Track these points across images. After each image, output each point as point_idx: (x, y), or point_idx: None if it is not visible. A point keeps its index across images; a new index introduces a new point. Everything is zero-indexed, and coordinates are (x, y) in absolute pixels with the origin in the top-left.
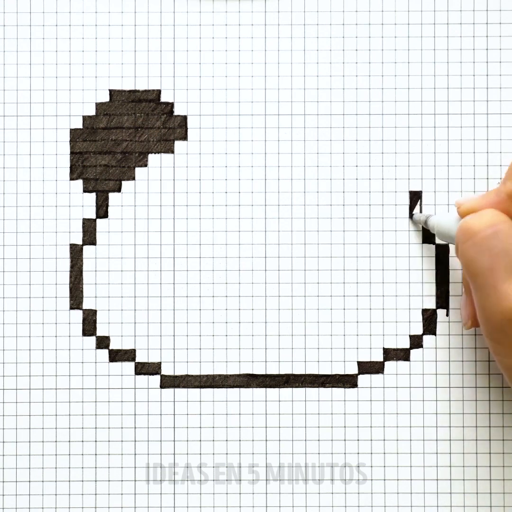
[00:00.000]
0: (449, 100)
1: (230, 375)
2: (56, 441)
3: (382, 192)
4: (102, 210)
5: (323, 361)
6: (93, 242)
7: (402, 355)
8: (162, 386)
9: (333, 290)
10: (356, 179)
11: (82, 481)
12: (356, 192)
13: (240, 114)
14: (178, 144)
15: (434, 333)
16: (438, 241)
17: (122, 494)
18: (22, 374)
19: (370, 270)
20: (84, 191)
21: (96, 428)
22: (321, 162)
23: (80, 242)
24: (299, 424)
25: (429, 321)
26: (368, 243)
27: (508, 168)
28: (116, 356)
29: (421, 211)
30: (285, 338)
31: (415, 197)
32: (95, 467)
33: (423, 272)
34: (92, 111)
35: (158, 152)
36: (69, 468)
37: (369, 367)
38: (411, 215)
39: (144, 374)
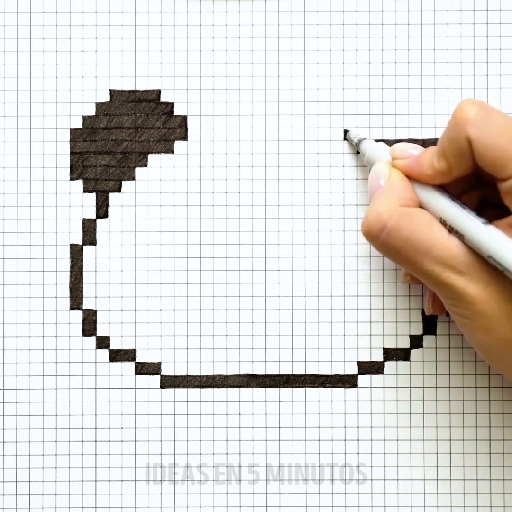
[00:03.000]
0: (449, 100)
1: (230, 375)
2: (56, 441)
3: None
4: (102, 210)
5: (323, 361)
6: (93, 242)
7: (402, 355)
8: (162, 386)
9: (333, 290)
10: (356, 179)
11: (82, 481)
12: (356, 192)
13: (240, 114)
14: (178, 144)
15: (434, 333)
16: None
17: (122, 494)
18: (22, 374)
19: (370, 270)
20: (84, 191)
21: (96, 428)
22: (321, 162)
23: (80, 242)
24: (299, 424)
25: (429, 321)
26: (368, 243)
27: (439, 142)
28: (116, 356)
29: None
30: (285, 338)
31: None
32: (95, 467)
33: None
34: (92, 111)
35: (158, 152)
36: (69, 468)
37: (369, 367)
38: (345, 132)
39: (144, 374)
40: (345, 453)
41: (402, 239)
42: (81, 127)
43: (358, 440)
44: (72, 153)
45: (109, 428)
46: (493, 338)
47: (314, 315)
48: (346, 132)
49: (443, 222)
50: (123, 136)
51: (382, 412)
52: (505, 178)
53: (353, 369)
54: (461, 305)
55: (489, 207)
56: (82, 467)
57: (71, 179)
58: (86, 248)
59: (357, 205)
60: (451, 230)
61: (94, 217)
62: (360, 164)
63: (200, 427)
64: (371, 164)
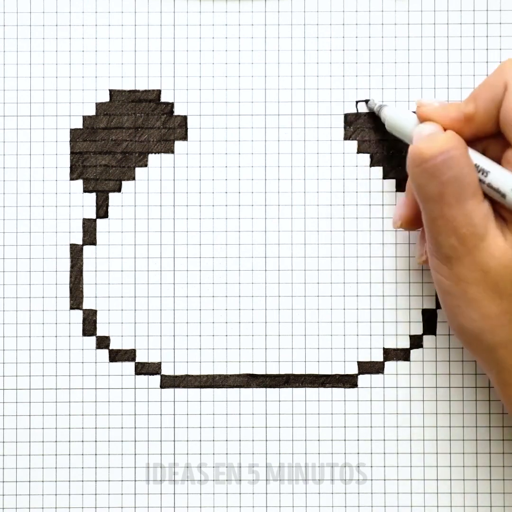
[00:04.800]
0: (449, 100)
1: (230, 375)
2: (56, 441)
3: (382, 192)
4: (102, 210)
5: (323, 361)
6: (93, 242)
7: (402, 355)
8: (162, 386)
9: (333, 290)
10: (356, 179)
11: (82, 481)
12: (356, 192)
13: (240, 114)
14: (178, 144)
15: (434, 333)
16: None
17: (122, 494)
18: (22, 374)
19: (370, 270)
20: (84, 191)
21: (96, 428)
22: (321, 162)
23: (80, 242)
24: (299, 424)
25: (429, 321)
26: (368, 243)
27: (474, 90)
28: (116, 356)
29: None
30: (285, 338)
31: None
32: (95, 467)
33: (423, 272)
34: (92, 111)
35: (158, 152)
36: (69, 468)
37: (369, 367)
38: (366, 101)
39: (144, 374)
40: (345, 453)
41: (455, 173)
42: (81, 127)
43: (358, 440)
44: (72, 153)
45: (109, 428)
46: (478, 312)
47: (314, 315)
48: (366, 101)
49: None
50: (123, 136)
51: (382, 412)
52: None
53: (353, 369)
54: (459, 267)
55: None
56: (82, 467)
57: (71, 179)
58: (86, 248)
59: (357, 205)
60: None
61: (94, 217)
62: (361, 163)
63: (200, 427)
64: (393, 126)
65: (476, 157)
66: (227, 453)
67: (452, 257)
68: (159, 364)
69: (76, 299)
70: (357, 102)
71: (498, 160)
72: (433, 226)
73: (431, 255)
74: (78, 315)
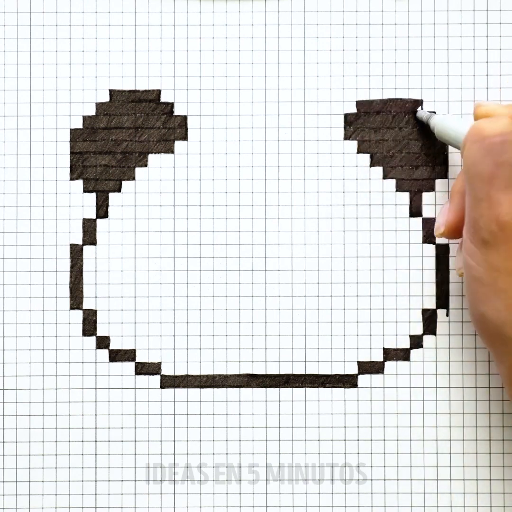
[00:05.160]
0: (449, 100)
1: (230, 375)
2: (56, 441)
3: (382, 192)
4: (102, 210)
5: (323, 361)
6: (93, 242)
7: (402, 355)
8: (162, 386)
9: (333, 290)
10: (356, 179)
11: (82, 481)
12: (356, 192)
13: (240, 114)
14: (178, 144)
15: (434, 333)
16: (438, 240)
17: (122, 494)
18: (22, 374)
19: (370, 270)
20: (84, 191)
21: (96, 428)
22: (321, 162)
23: (80, 242)
24: (299, 424)
25: (429, 321)
26: (368, 243)
27: None
28: (116, 356)
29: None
30: (285, 338)
31: (415, 196)
32: (95, 467)
33: (423, 272)
34: (92, 111)
35: (158, 152)
36: (69, 468)
37: (369, 367)
38: (415, 112)
39: (144, 374)
40: (345, 453)
41: (506, 158)
42: (81, 127)
43: (358, 440)
44: (72, 153)
45: (109, 428)
46: (505, 303)
47: (314, 315)
48: (414, 113)
49: None
50: (123, 136)
51: (382, 412)
52: None
53: (353, 369)
54: (494, 254)
55: None
56: (82, 467)
57: (71, 179)
58: (86, 248)
59: (357, 205)
60: None
61: (94, 217)
62: (361, 163)
63: (200, 427)
64: (442, 135)
65: None
66: (227, 453)
67: (489, 242)
68: (159, 364)
69: (76, 299)
70: (415, 112)
71: None
72: (476, 208)
73: (467, 238)
74: (78, 315)
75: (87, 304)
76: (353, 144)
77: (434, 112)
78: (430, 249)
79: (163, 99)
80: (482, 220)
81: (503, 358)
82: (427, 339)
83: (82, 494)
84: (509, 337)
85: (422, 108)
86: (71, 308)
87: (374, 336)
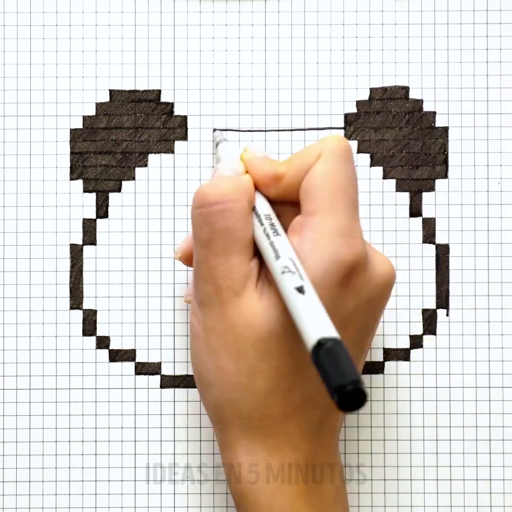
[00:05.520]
0: (449, 100)
1: None
2: (56, 441)
3: (382, 192)
4: (102, 210)
5: None
6: (93, 242)
7: (402, 355)
8: (162, 386)
9: None
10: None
11: (82, 481)
12: None
13: (240, 114)
14: (178, 144)
15: (434, 333)
16: (438, 240)
17: (122, 494)
18: (22, 374)
19: None
20: (84, 191)
21: (96, 428)
22: None
23: (80, 242)
24: None
25: (429, 321)
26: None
27: (292, 154)
28: (116, 356)
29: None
30: None
31: (415, 196)
32: (95, 467)
33: (423, 272)
34: (92, 111)
35: (158, 152)
36: (69, 468)
37: (369, 367)
38: (214, 130)
39: (144, 374)
40: (345, 453)
41: (228, 225)
42: (81, 127)
43: (358, 440)
44: (72, 153)
45: (109, 428)
46: (215, 364)
47: None
48: (214, 130)
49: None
50: (123, 136)
51: (382, 412)
52: (302, 213)
53: None
54: (210, 315)
55: None
56: (82, 467)
57: (71, 179)
58: (86, 248)
59: None
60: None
61: (94, 217)
62: (361, 163)
63: (200, 427)
64: (218, 161)
65: (272, 215)
66: None
67: (206, 304)
68: (159, 364)
69: (76, 299)
70: (214, 129)
71: (285, 227)
72: (198, 269)
73: (192, 297)
74: (78, 315)
75: (87, 304)
76: (353, 144)
77: (223, 139)
78: (430, 249)
79: (163, 99)
80: (201, 281)
81: (215, 421)
82: (427, 339)
83: (82, 494)
84: (218, 400)
85: (218, 130)
86: (71, 308)
87: (374, 336)
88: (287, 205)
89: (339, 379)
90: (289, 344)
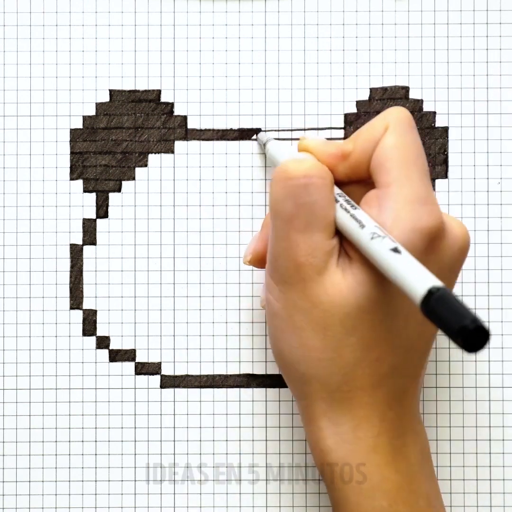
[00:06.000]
0: (449, 100)
1: (230, 375)
2: (56, 441)
3: None
4: (102, 210)
5: None
6: (93, 242)
7: None
8: (162, 386)
9: None
10: None
11: (82, 481)
12: None
13: (240, 114)
14: (178, 144)
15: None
16: None
17: (122, 494)
18: (22, 374)
19: None
20: (84, 191)
21: (96, 428)
22: None
23: (80, 242)
24: (299, 424)
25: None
26: None
27: (357, 130)
28: (116, 356)
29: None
30: None
31: None
32: (95, 467)
33: None
34: (92, 111)
35: (158, 152)
36: (69, 468)
37: None
38: (257, 133)
39: (144, 374)
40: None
41: (312, 200)
42: (81, 127)
43: None
44: (72, 153)
45: (109, 428)
46: (299, 341)
47: None
48: (257, 132)
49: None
50: (123, 136)
51: None
52: (376, 186)
53: None
54: (291, 292)
55: None
56: (82, 467)
57: (71, 179)
58: (86, 248)
59: None
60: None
61: (94, 217)
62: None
63: (200, 427)
64: (270, 162)
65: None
66: (227, 453)
67: (286, 281)
68: (159, 364)
69: (76, 299)
70: (257, 133)
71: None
72: (276, 246)
73: (267, 273)
74: (78, 315)
75: (87, 304)
76: None
77: (271, 138)
78: None
79: (163, 99)
80: (280, 258)
81: (300, 396)
82: None
83: (82, 494)
84: (304, 375)
85: (265, 131)
86: (71, 308)
87: None
88: (351, 186)
89: (459, 321)
90: (377, 317)
